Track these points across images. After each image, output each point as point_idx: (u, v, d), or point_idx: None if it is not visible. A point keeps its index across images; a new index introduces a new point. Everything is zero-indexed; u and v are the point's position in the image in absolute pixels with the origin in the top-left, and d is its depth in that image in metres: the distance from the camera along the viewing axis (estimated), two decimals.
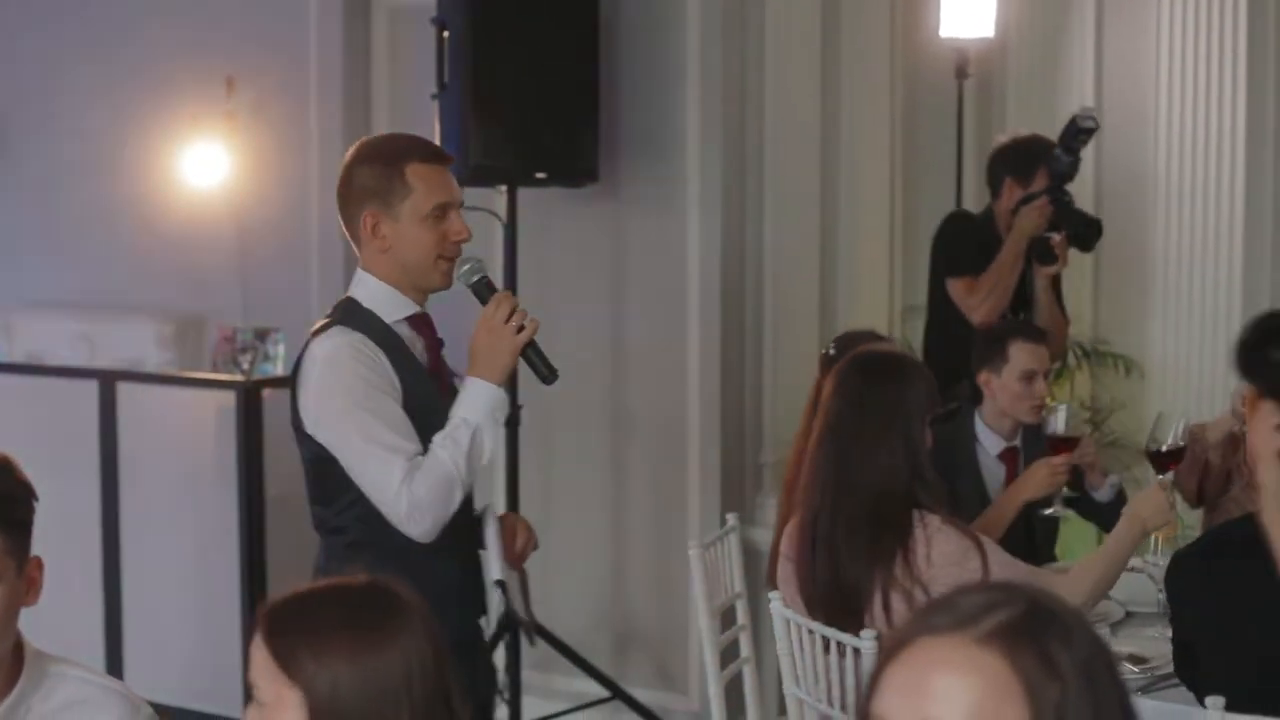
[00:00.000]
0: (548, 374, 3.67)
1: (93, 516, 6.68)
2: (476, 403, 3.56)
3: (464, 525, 3.65)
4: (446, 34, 5.86)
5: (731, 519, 4.92)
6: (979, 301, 5.73)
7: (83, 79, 9.23)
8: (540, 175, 5.89)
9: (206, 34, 8.74)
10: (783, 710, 5.54)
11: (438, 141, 5.85)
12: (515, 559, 3.79)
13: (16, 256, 9.66)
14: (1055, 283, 5.87)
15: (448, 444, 3.51)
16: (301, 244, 8.63)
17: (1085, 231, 5.75)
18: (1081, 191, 6.60)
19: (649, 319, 6.18)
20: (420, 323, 3.72)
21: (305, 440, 3.62)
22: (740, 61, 6.08)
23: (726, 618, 4.82)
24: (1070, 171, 5.71)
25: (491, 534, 3.74)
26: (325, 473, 3.61)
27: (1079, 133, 5.65)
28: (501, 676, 5.95)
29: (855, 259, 6.51)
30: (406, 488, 3.46)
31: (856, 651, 3.68)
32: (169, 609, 6.66)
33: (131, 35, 9.03)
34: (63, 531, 6.51)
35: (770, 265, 6.16)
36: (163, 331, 8.61)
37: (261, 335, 8.05)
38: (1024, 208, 5.70)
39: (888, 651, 1.67)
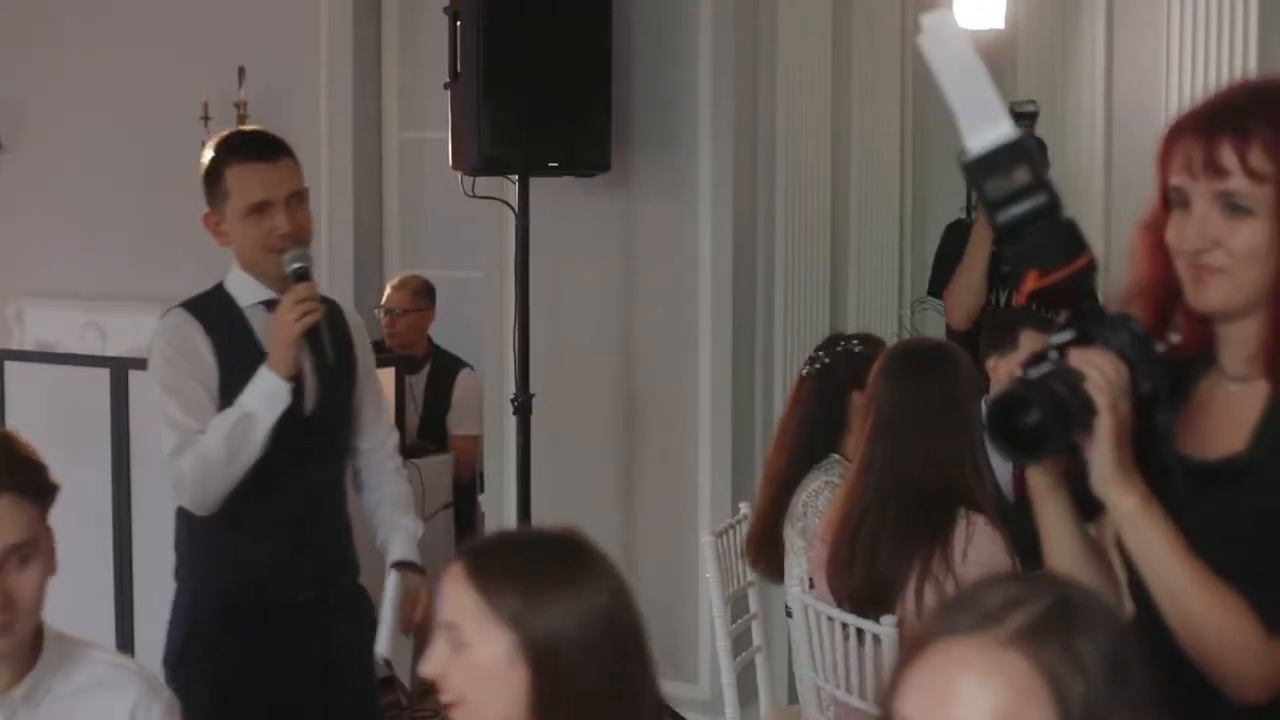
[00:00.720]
0: (318, 365, 3.86)
1: (104, 503, 6.69)
2: (255, 389, 3.75)
3: (275, 509, 3.86)
4: (459, 23, 5.86)
5: (744, 508, 4.93)
6: (954, 301, 5.79)
7: (93, 69, 9.24)
8: (552, 165, 5.89)
9: (218, 23, 8.75)
10: (793, 699, 5.55)
11: (450, 131, 5.87)
12: (408, 627, 3.99)
13: (27, 246, 9.67)
14: None
15: (217, 425, 3.74)
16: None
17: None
18: (1090, 186, 6.61)
19: (660, 308, 6.18)
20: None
21: None
22: (752, 51, 6.09)
23: (736, 607, 4.83)
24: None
25: (388, 602, 3.95)
26: None
27: (1019, 118, 5.59)
28: None
29: (866, 250, 6.52)
30: (174, 460, 3.75)
31: (876, 638, 3.68)
32: None
33: (143, 25, 9.04)
34: (75, 518, 6.52)
35: (781, 255, 6.17)
36: None
37: None
38: (979, 215, 5.66)
39: (909, 651, 1.68)
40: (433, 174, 7.59)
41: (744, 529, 4.80)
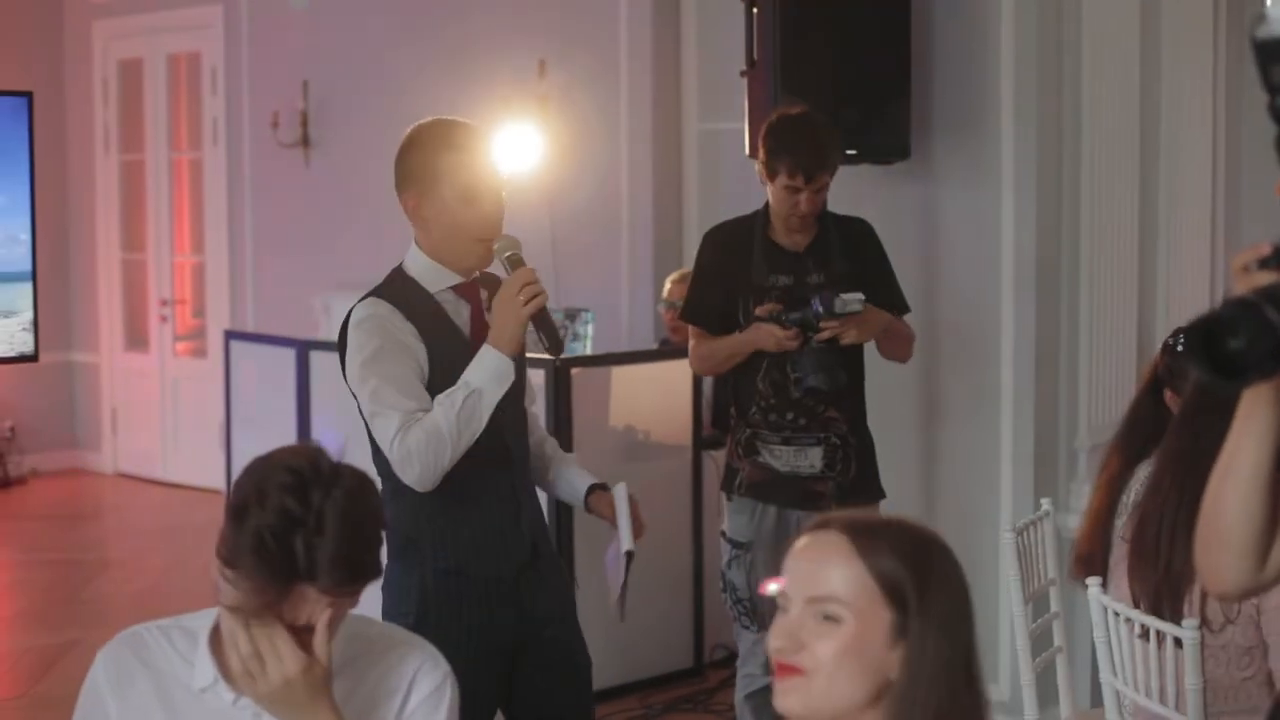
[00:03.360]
0: (549, 345, 3.95)
1: None
2: (481, 367, 3.84)
3: (498, 479, 4.00)
4: (755, 10, 5.82)
5: (1046, 503, 4.79)
6: (694, 359, 5.38)
7: (396, 66, 9.41)
8: (851, 152, 5.79)
9: (520, 18, 8.83)
10: (1094, 702, 5.39)
11: (747, 119, 5.82)
12: (641, 532, 4.16)
13: (334, 240, 9.90)
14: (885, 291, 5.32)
15: (444, 403, 3.81)
16: (612, 226, 8.68)
17: (814, 383, 5.10)
18: None
19: (962, 298, 6.06)
20: (467, 290, 4.01)
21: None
22: (1056, 30, 5.92)
23: (1037, 606, 4.70)
24: (816, 324, 5.05)
25: (622, 507, 4.14)
26: None
27: (832, 314, 5.04)
28: None
29: (1176, 239, 6.29)
30: (400, 438, 3.78)
31: (1177, 641, 3.55)
32: None
33: (446, 21, 9.17)
34: None
35: (1087, 244, 5.99)
36: None
37: (572, 316, 8.12)
38: (767, 326, 5.07)
39: None
40: (731, 165, 7.55)
41: (1046, 525, 4.67)
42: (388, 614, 3.98)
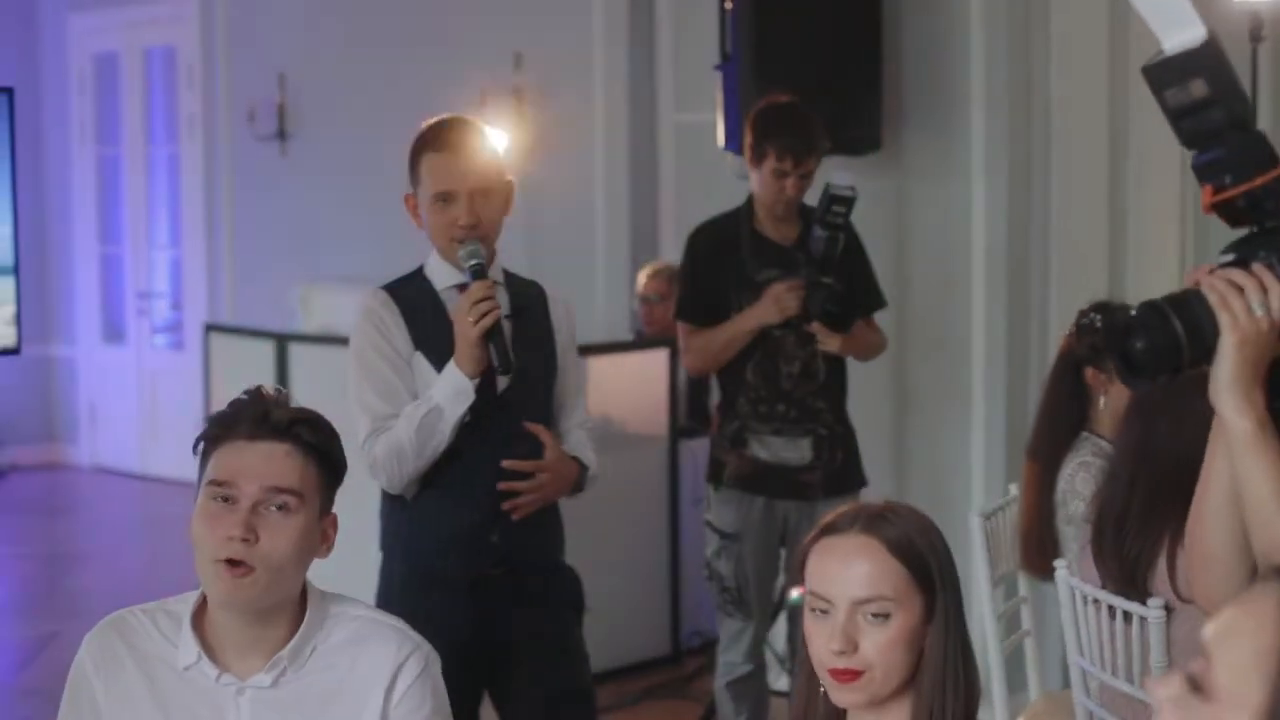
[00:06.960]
0: (500, 365, 3.84)
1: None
2: (443, 384, 3.85)
3: (474, 486, 3.94)
4: (730, 5, 5.87)
5: (1014, 489, 4.84)
6: (689, 354, 5.37)
7: (372, 58, 9.44)
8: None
9: (495, 10, 8.87)
10: (1062, 684, 5.46)
11: (720, 112, 5.87)
12: None
13: (309, 234, 9.93)
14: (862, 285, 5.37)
15: (408, 415, 3.86)
16: (587, 217, 8.72)
17: (834, 311, 5.13)
18: None
19: (933, 289, 6.12)
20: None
21: None
22: (1025, 26, 5.98)
23: (1005, 591, 4.77)
24: (829, 251, 5.08)
25: None
26: None
27: (833, 202, 5.02)
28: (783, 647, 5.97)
29: (1145, 227, 6.35)
30: (368, 446, 3.88)
31: (1143, 620, 3.62)
32: None
33: (422, 13, 9.20)
34: (353, 497, 6.66)
35: (1057, 233, 6.06)
36: None
37: None
38: (769, 291, 5.11)
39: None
40: (706, 157, 7.60)
41: (1014, 511, 4.73)
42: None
